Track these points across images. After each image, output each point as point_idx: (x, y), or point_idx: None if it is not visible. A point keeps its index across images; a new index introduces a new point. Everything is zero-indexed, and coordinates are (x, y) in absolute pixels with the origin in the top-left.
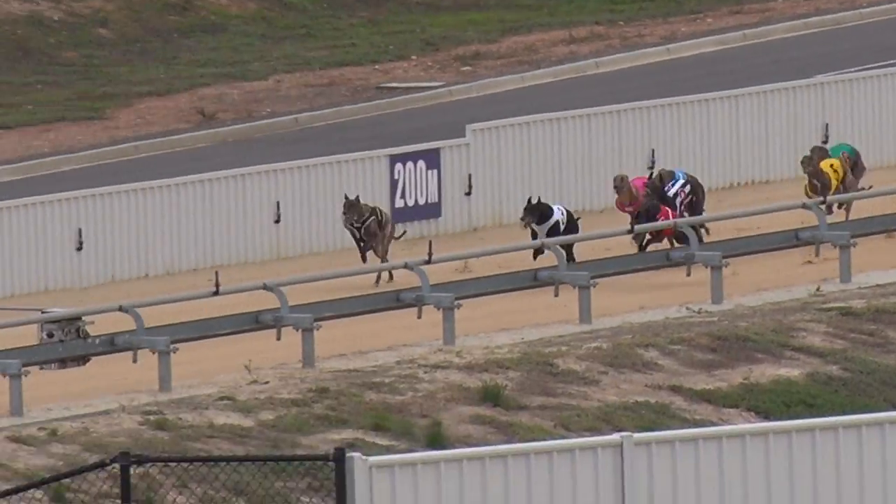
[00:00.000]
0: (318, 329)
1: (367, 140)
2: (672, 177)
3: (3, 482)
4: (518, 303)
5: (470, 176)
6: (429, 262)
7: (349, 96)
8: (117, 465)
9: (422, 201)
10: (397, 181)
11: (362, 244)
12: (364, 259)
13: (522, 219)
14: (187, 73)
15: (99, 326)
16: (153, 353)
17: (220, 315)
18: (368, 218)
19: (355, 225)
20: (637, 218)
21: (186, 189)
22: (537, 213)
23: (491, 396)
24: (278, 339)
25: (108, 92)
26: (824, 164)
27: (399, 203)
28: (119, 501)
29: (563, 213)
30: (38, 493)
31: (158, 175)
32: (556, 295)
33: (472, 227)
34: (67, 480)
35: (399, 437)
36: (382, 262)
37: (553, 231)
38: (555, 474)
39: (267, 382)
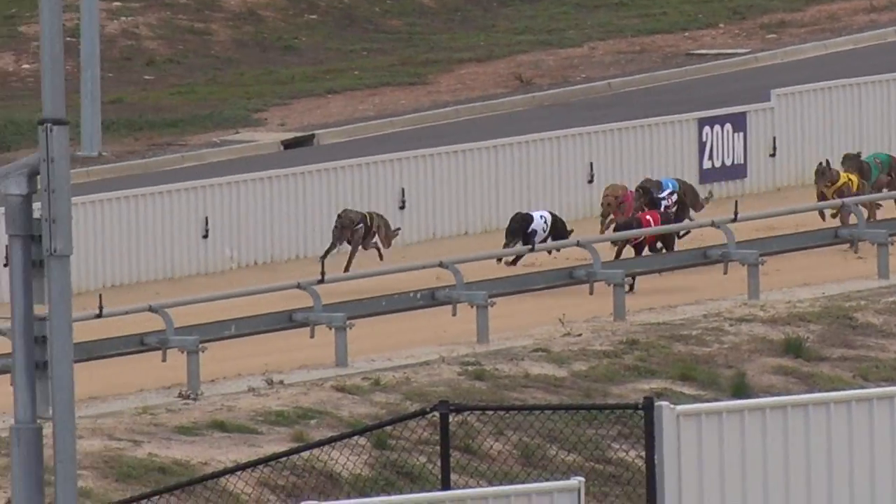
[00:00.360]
0: (629, 285)
1: (675, 104)
2: (660, 186)
3: (328, 429)
4: (818, 259)
5: (774, 138)
6: (734, 220)
7: (659, 62)
8: (437, 414)
9: (728, 162)
10: (705, 143)
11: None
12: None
13: (506, 245)
14: (505, 40)
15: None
16: (472, 307)
17: (536, 271)
18: (357, 223)
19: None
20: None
21: (504, 150)
22: (519, 232)
23: (793, 348)
24: (591, 293)
25: (430, 58)
26: (843, 175)
27: (707, 164)
28: (438, 448)
29: (545, 222)
30: (362, 440)
31: (477, 137)
32: (855, 251)
33: (775, 188)
34: (389, 428)
35: (705, 386)
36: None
37: (532, 237)
38: (853, 424)
39: (580, 335)
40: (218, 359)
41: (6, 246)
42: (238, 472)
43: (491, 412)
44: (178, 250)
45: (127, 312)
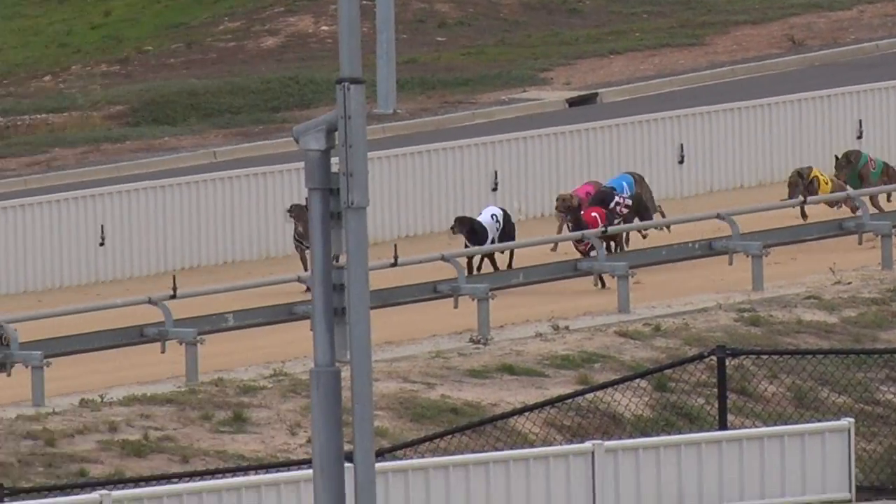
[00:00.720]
0: None
1: None
2: (613, 190)
3: (611, 372)
4: None
5: None
6: None
7: None
8: (714, 358)
9: None
10: None
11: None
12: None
13: (452, 229)
14: (778, 3)
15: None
16: (747, 256)
17: (811, 223)
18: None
19: (304, 244)
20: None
21: (777, 108)
22: (468, 224)
23: None
24: (859, 244)
25: (707, 21)
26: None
27: None
28: (716, 390)
29: (495, 219)
30: (643, 383)
31: (751, 96)
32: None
33: None
34: (669, 371)
35: None
36: None
37: (480, 237)
38: None
39: (850, 283)
40: (506, 306)
41: None
42: (526, 413)
43: (765, 356)
44: (469, 202)
45: (420, 262)
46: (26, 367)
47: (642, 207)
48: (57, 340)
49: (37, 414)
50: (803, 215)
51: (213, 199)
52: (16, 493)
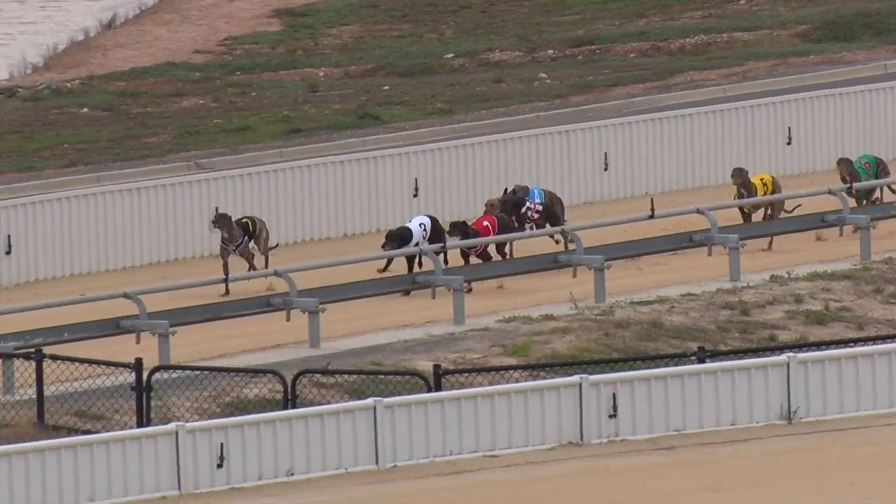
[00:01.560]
0: None
1: None
2: (527, 194)
3: None
4: None
5: None
6: None
7: None
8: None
9: None
10: None
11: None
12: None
13: (383, 247)
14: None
15: None
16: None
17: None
18: (241, 240)
19: (230, 249)
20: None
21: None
22: (397, 238)
23: None
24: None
25: None
26: (755, 178)
27: None
28: None
29: (424, 229)
30: None
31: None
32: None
33: None
34: None
35: None
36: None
37: (406, 242)
38: None
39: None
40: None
41: None
42: None
43: None
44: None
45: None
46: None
47: (553, 216)
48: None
49: (733, 288)
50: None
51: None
52: (715, 354)
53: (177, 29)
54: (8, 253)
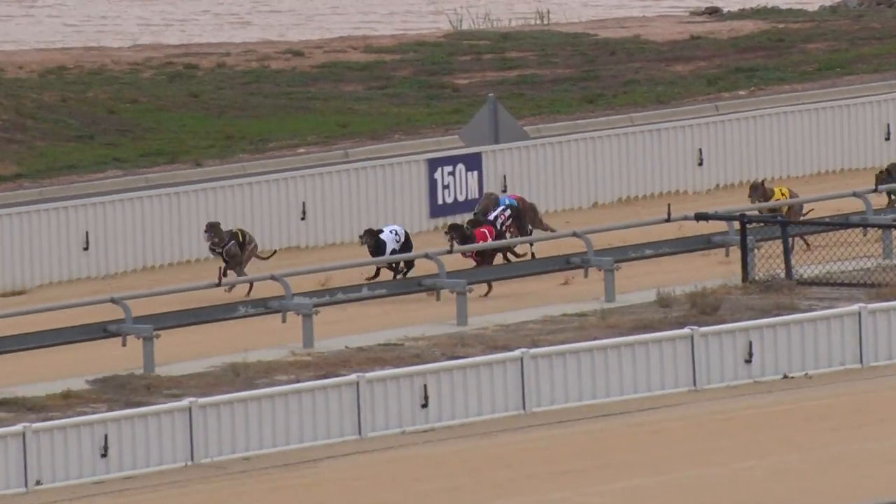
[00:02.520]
0: None
1: None
2: (497, 203)
3: None
4: None
5: None
6: None
7: None
8: None
9: None
10: None
11: (224, 265)
12: (220, 279)
13: (361, 237)
14: None
15: None
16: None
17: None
18: (229, 242)
19: (216, 250)
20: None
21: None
22: (374, 238)
23: None
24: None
25: None
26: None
27: None
28: None
29: (397, 235)
30: None
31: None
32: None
33: None
34: None
35: None
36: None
37: (381, 250)
38: None
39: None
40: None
41: None
42: None
43: None
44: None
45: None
46: None
47: (522, 225)
48: None
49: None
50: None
51: None
52: None
53: None
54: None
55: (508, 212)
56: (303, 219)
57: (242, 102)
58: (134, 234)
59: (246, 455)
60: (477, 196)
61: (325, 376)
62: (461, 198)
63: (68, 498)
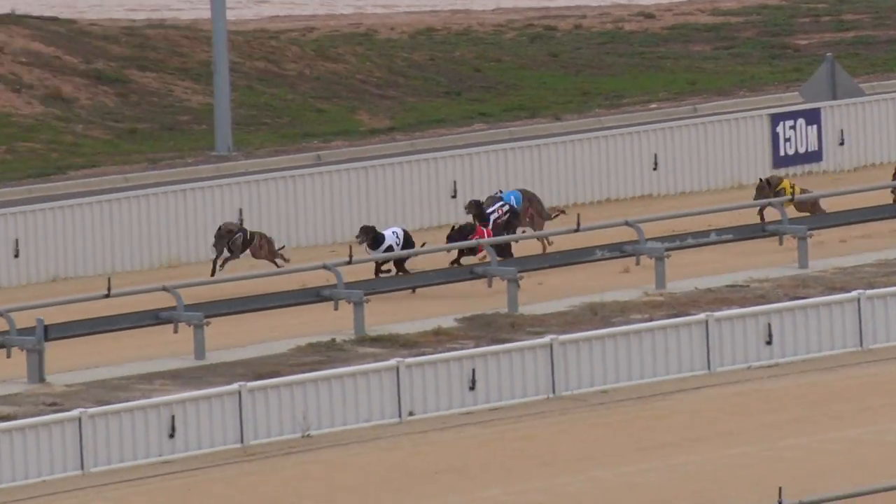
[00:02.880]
0: None
1: None
2: (492, 201)
3: None
4: None
5: None
6: None
7: None
8: None
9: None
10: None
11: (227, 256)
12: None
13: (357, 236)
14: None
15: None
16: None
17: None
18: (236, 234)
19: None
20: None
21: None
22: (371, 234)
23: None
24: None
25: None
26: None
27: None
28: None
29: (398, 237)
30: None
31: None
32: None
33: None
34: None
35: None
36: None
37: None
38: None
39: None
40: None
41: None
42: None
43: None
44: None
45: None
46: None
47: (516, 216)
48: None
49: None
50: (762, 218)
51: None
52: None
53: None
54: None
55: (506, 207)
56: (654, 169)
57: (598, 61)
58: (496, 185)
59: (603, 388)
60: (816, 149)
61: (676, 315)
62: (801, 150)
63: (438, 427)
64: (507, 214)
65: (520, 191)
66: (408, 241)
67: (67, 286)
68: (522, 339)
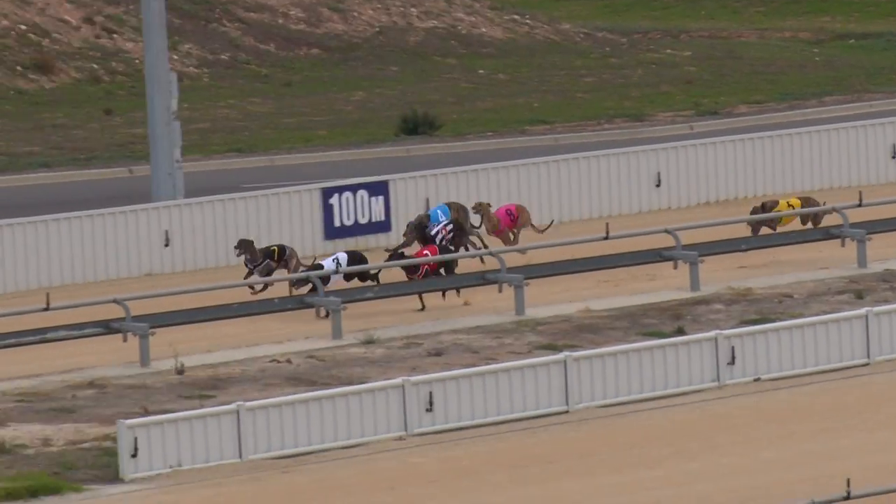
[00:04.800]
0: None
1: None
2: (429, 218)
3: None
4: None
5: None
6: None
7: None
8: None
9: None
10: None
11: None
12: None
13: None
14: None
15: None
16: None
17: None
18: (262, 262)
19: (248, 265)
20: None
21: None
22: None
23: None
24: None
25: None
26: (782, 202)
27: None
28: None
29: (334, 262)
30: None
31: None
32: None
33: None
34: None
35: None
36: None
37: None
38: None
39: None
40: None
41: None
42: None
43: None
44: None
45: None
46: None
47: (461, 229)
48: None
49: None
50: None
51: None
52: None
53: None
54: None
55: (450, 226)
56: None
57: None
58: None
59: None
60: None
61: None
62: None
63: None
64: (451, 233)
65: (447, 204)
66: (354, 262)
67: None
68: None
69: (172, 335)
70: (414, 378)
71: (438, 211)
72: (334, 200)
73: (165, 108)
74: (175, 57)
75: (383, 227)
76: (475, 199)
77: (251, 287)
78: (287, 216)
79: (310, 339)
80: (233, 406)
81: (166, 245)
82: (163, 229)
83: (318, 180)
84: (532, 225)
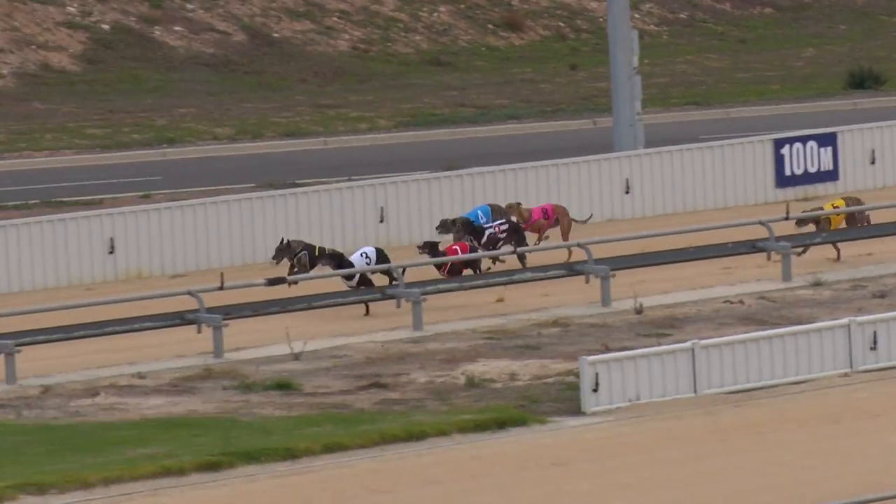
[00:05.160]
0: None
1: None
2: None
3: None
4: None
5: None
6: None
7: None
8: None
9: None
10: None
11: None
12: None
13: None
14: None
15: None
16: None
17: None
18: (300, 251)
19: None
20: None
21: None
22: (337, 259)
23: None
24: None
25: None
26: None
27: None
28: None
29: (365, 256)
30: None
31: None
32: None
33: None
34: None
35: None
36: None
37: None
38: None
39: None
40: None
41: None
42: None
43: None
44: None
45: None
46: None
47: (516, 231)
48: None
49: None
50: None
51: None
52: None
53: None
54: None
55: (505, 227)
56: None
57: None
58: None
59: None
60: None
61: None
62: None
63: None
64: (504, 232)
65: (488, 205)
66: (381, 262)
67: None
68: None
69: (632, 277)
70: (860, 318)
71: (479, 212)
72: (785, 151)
73: (627, 63)
74: (636, 16)
75: (832, 175)
76: None
77: None
78: (741, 166)
79: (760, 281)
80: (688, 344)
81: (626, 192)
82: (623, 178)
83: (770, 132)
84: (572, 221)
